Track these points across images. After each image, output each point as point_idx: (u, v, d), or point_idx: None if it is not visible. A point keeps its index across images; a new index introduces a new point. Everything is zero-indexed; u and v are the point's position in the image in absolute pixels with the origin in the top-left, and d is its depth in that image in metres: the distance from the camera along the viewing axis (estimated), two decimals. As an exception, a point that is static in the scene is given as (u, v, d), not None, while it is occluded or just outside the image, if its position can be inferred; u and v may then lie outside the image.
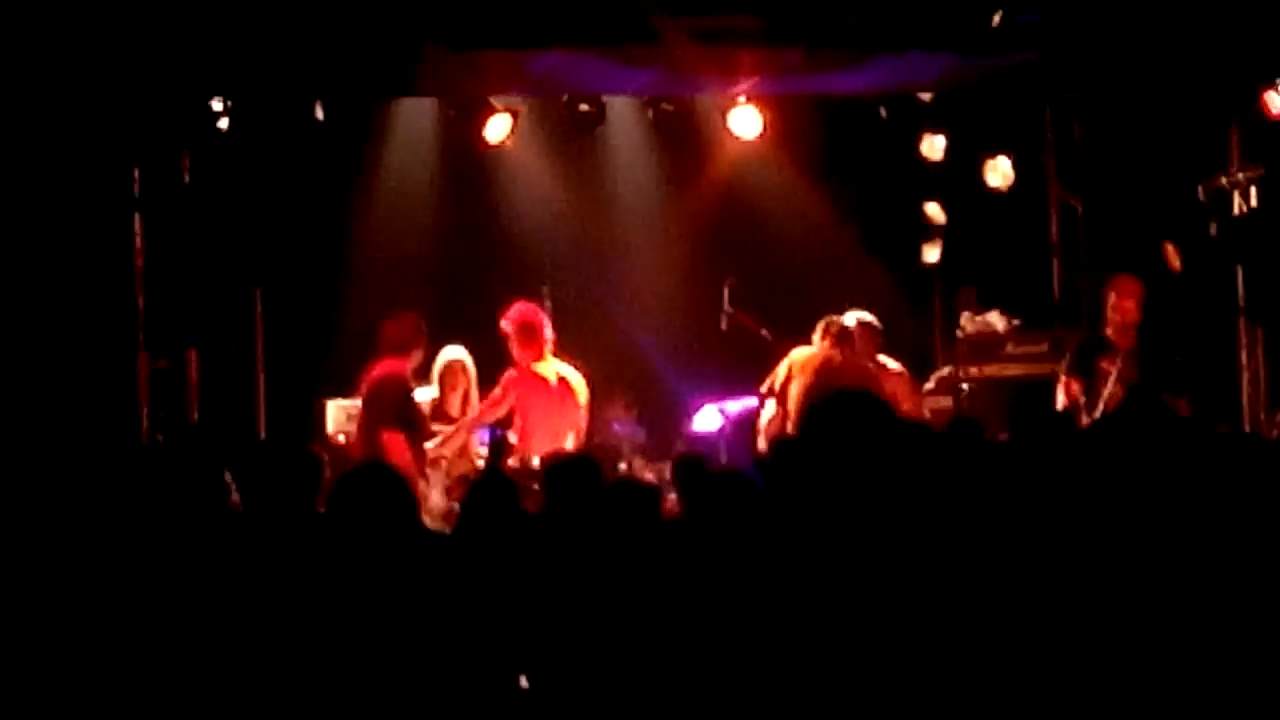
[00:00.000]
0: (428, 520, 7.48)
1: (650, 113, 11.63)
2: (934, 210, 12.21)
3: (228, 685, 4.84)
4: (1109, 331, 9.75)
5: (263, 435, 10.59)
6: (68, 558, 5.40)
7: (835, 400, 3.46)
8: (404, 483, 5.39)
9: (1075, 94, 11.58)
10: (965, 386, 11.20)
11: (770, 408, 10.02)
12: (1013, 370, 11.27)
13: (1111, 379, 9.43)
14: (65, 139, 8.45)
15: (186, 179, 9.25)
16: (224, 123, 9.12)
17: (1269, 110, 9.83)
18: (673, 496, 8.14)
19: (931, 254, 12.31)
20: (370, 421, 9.15)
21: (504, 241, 11.99)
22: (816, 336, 10.06)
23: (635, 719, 4.64)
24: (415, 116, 11.82)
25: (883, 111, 11.42)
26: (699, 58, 10.17)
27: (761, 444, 9.88)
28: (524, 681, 5.02)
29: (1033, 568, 3.40)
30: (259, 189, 9.21)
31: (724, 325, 10.97)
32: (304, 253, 10.77)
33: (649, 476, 9.67)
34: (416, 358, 9.41)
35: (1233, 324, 10.80)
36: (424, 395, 9.74)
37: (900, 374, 10.37)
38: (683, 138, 11.85)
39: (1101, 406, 9.30)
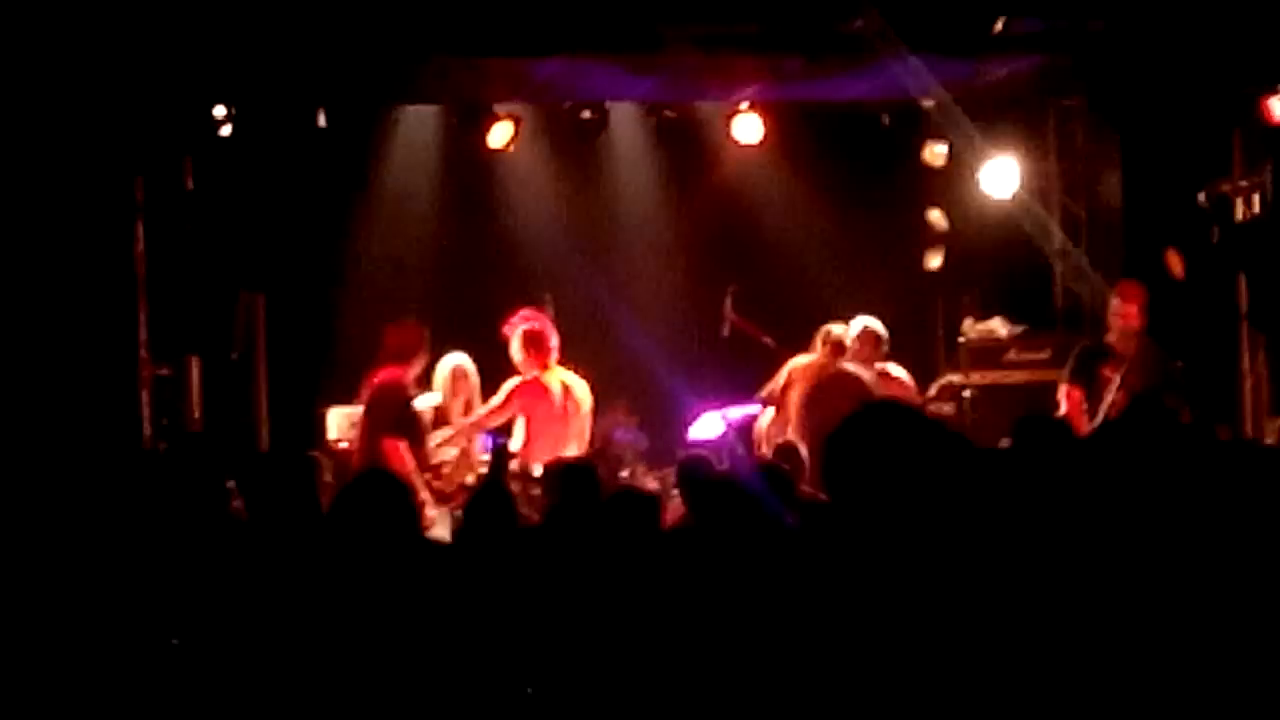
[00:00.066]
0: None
1: (652, 120, 11.65)
2: (936, 217, 12.22)
3: (226, 692, 4.84)
4: (1111, 338, 9.75)
5: (264, 442, 10.59)
6: (69, 564, 5.41)
7: (874, 411, 3.46)
8: (405, 491, 5.39)
9: (1077, 100, 11.59)
10: (967, 393, 11.20)
11: (768, 414, 10.02)
12: (1015, 377, 11.26)
13: (1113, 386, 9.43)
14: (68, 146, 8.45)
15: (189, 186, 9.26)
16: (226, 129, 9.12)
17: (1271, 116, 9.82)
18: (674, 504, 8.15)
19: (934, 260, 12.32)
20: (371, 429, 9.15)
21: (506, 248, 11.99)
22: (817, 344, 10.06)
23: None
24: (418, 124, 11.83)
25: (885, 119, 11.44)
26: (701, 65, 10.18)
27: (760, 450, 9.89)
28: (527, 690, 5.01)
29: (1030, 576, 3.40)
30: (261, 196, 9.21)
31: (726, 332, 10.98)
32: (306, 259, 10.78)
33: (651, 484, 9.67)
34: (418, 365, 9.41)
35: (1234, 330, 10.79)
36: (427, 402, 9.74)
37: (902, 381, 10.36)
38: (685, 145, 11.87)
39: (1103, 413, 9.29)
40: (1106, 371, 9.56)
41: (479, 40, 9.09)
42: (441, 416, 9.86)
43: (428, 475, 9.25)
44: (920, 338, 11.96)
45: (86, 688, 4.94)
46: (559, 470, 7.64)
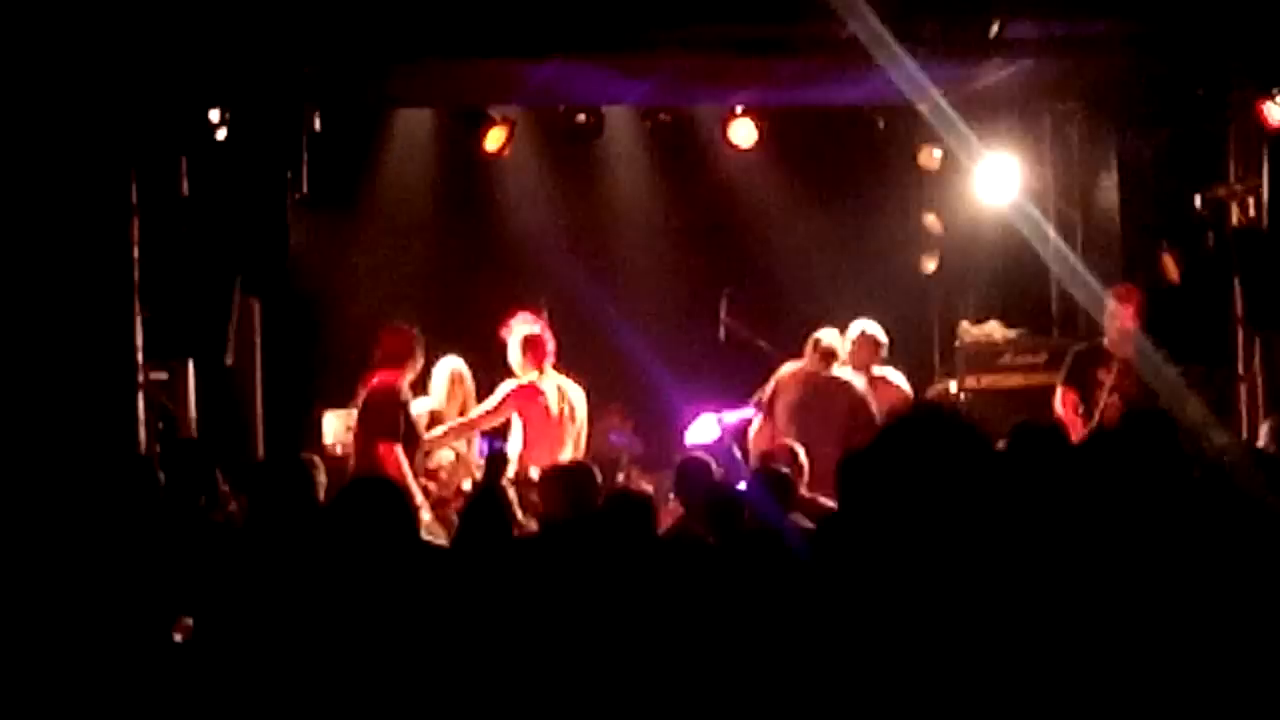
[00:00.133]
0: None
1: (648, 124, 11.65)
2: (932, 221, 12.23)
3: (221, 698, 4.83)
4: (1107, 342, 9.76)
5: (260, 446, 10.58)
6: (65, 570, 5.40)
7: (916, 415, 3.46)
8: (402, 495, 5.39)
9: (1073, 104, 11.59)
10: (963, 397, 11.20)
11: (758, 422, 10.02)
12: (1011, 381, 11.26)
13: (1108, 389, 9.43)
14: (62, 149, 8.43)
15: (184, 189, 9.24)
16: (222, 133, 9.10)
17: (1266, 120, 9.82)
18: (668, 508, 8.15)
19: (930, 264, 12.32)
20: (365, 433, 9.15)
21: (502, 252, 12.00)
22: (806, 351, 10.07)
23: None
24: (413, 127, 11.83)
25: (880, 122, 11.44)
26: (696, 69, 10.18)
27: (750, 458, 9.88)
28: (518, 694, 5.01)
29: (1020, 581, 3.40)
30: (257, 200, 9.19)
31: (722, 336, 10.98)
32: (302, 263, 10.76)
33: (646, 487, 9.67)
34: (412, 369, 9.40)
35: (1230, 334, 10.79)
36: (424, 406, 9.74)
37: (898, 387, 10.33)
38: (680, 149, 11.87)
39: (1097, 417, 9.30)
40: (1101, 375, 9.56)
41: (473, 43, 9.08)
42: (438, 421, 9.85)
43: (424, 480, 9.25)
44: (916, 342, 11.96)
45: (83, 691, 4.93)
46: (557, 474, 7.65)
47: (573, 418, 9.88)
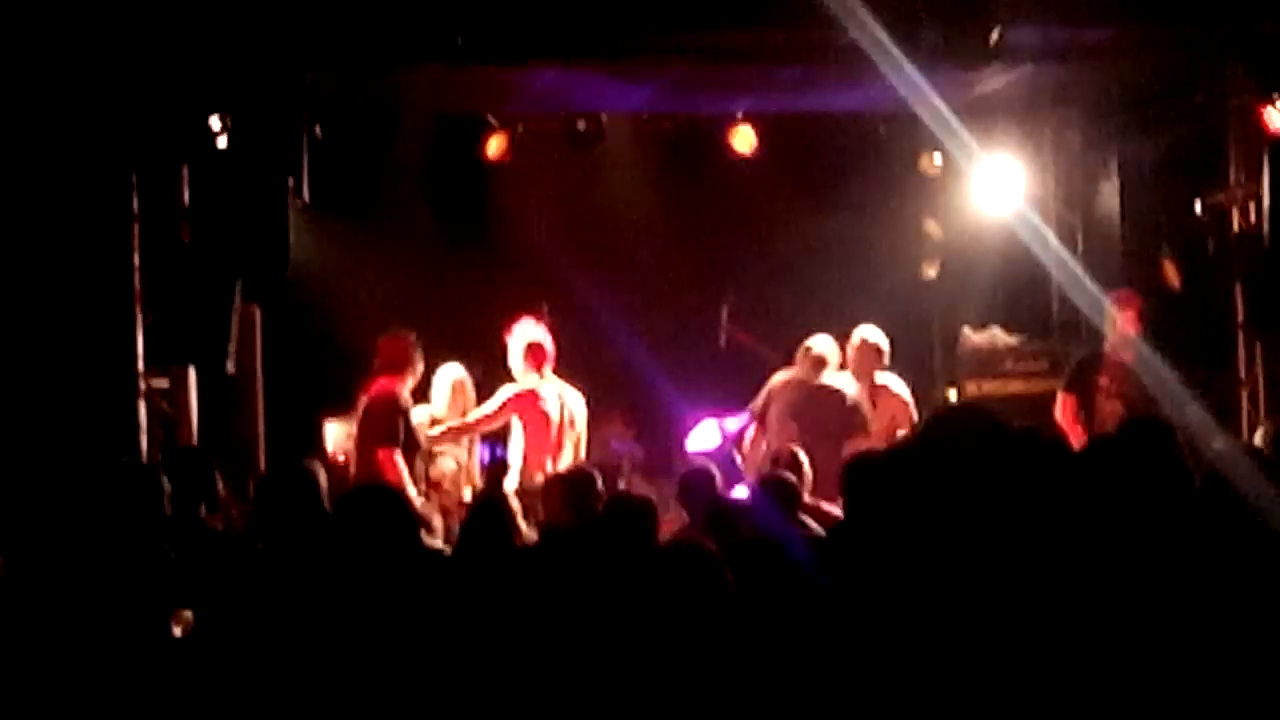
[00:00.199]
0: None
1: (649, 130, 11.65)
2: (933, 227, 12.23)
3: (224, 708, 4.83)
4: (1108, 347, 9.76)
5: (262, 454, 10.58)
6: (64, 577, 5.39)
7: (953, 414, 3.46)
8: (404, 504, 5.39)
9: (1074, 110, 11.59)
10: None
11: (751, 431, 10.03)
12: (1013, 387, 11.26)
13: (1109, 395, 9.43)
14: (63, 157, 8.44)
15: (185, 197, 9.25)
16: (223, 141, 9.11)
17: (1267, 126, 9.83)
18: (670, 515, 8.14)
19: (931, 271, 12.32)
20: (365, 440, 9.15)
21: (503, 259, 11.99)
22: (797, 359, 10.09)
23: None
24: (414, 134, 11.83)
25: (881, 129, 11.44)
26: (697, 76, 10.18)
27: (743, 465, 9.89)
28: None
29: (1024, 588, 3.40)
30: (258, 206, 9.20)
31: (723, 343, 10.97)
32: (303, 270, 10.76)
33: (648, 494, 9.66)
34: (411, 376, 9.40)
35: (1231, 339, 10.80)
36: (425, 413, 9.74)
37: (897, 395, 10.29)
38: (681, 155, 11.86)
39: (1098, 422, 9.30)
40: (1103, 380, 9.56)
41: (474, 49, 9.09)
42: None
43: (425, 488, 9.25)
44: (917, 348, 11.95)
45: (80, 697, 4.93)
46: (559, 481, 7.64)
47: (572, 424, 9.88)
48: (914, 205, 12.25)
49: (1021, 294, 12.03)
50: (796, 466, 8.07)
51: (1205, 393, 9.41)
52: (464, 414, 9.88)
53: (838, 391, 9.86)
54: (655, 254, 12.46)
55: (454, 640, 4.98)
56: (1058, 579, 3.46)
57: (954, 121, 9.98)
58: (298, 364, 11.12)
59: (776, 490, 7.24)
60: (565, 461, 9.55)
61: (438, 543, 7.33)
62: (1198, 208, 10.77)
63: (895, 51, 8.85)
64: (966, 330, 11.75)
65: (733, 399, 10.46)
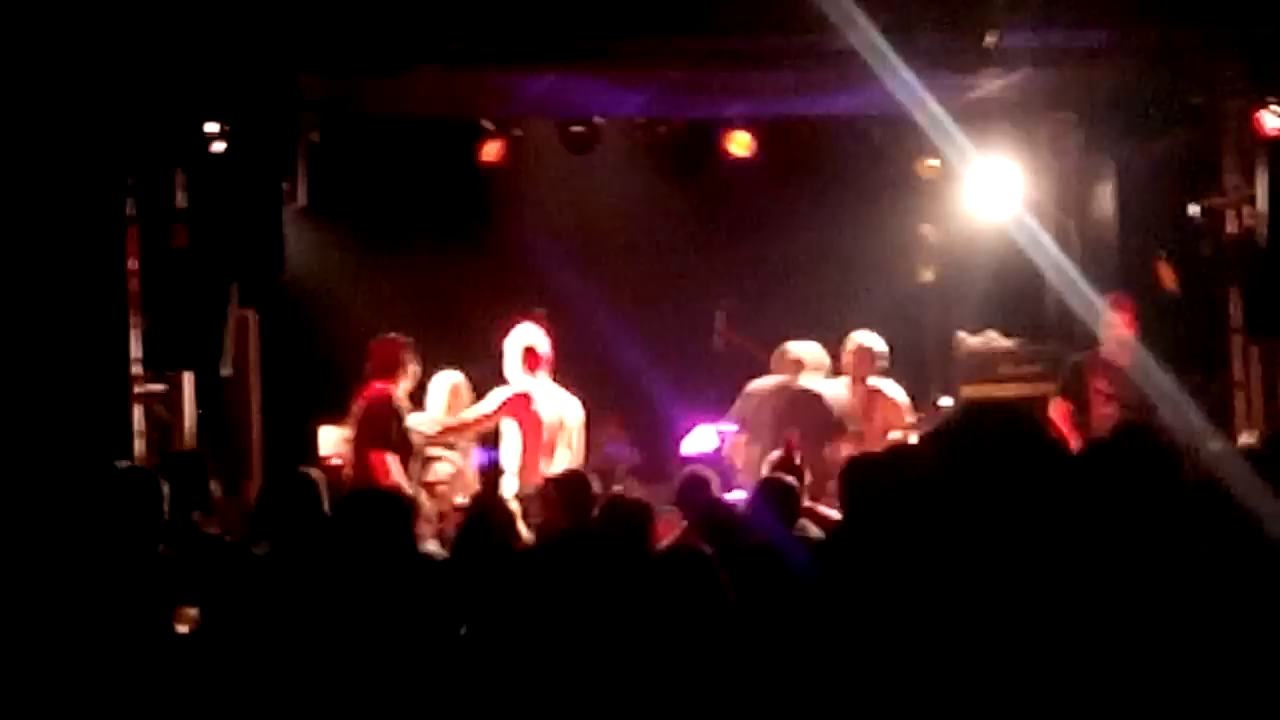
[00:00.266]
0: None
1: (644, 135, 11.64)
2: (929, 231, 12.23)
3: (220, 709, 4.83)
4: (1103, 351, 9.76)
5: (257, 458, 10.58)
6: (60, 583, 5.39)
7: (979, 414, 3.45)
8: (400, 508, 5.39)
9: (1070, 113, 11.59)
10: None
11: (731, 438, 10.05)
12: (1009, 391, 11.25)
13: (1104, 399, 9.44)
14: (59, 161, 8.44)
15: (181, 201, 9.24)
16: (219, 145, 9.11)
17: (1262, 129, 9.83)
18: (665, 518, 8.13)
19: (927, 274, 12.32)
20: (360, 444, 9.16)
21: (499, 264, 11.98)
22: (773, 363, 10.09)
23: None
24: (410, 138, 11.82)
25: (877, 133, 11.44)
26: (693, 80, 10.18)
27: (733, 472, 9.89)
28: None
29: (1020, 591, 3.39)
30: (253, 211, 9.19)
31: (719, 347, 10.97)
32: (299, 275, 10.76)
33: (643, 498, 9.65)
34: (405, 379, 9.40)
35: (1226, 343, 10.81)
36: (422, 418, 9.73)
37: (891, 398, 10.29)
38: (677, 159, 11.85)
39: (1093, 426, 9.30)
40: (1098, 384, 9.57)
41: (470, 54, 9.09)
42: (433, 432, 9.85)
43: (421, 492, 9.24)
44: (913, 352, 11.95)
45: (80, 699, 4.93)
46: (553, 484, 7.64)
47: (570, 428, 9.88)
48: (910, 209, 12.25)
49: (1018, 298, 12.03)
50: (795, 470, 8.06)
51: (1200, 396, 9.43)
52: (462, 419, 9.89)
53: (817, 394, 9.89)
54: (651, 258, 12.46)
55: (450, 643, 4.97)
56: (1058, 581, 3.46)
57: (950, 125, 9.99)
58: (293, 368, 11.12)
59: (775, 494, 7.22)
60: (558, 465, 9.54)
61: (433, 546, 7.32)
62: (1194, 211, 10.78)
63: (891, 55, 8.86)
64: (963, 334, 11.75)
65: (729, 403, 10.46)
